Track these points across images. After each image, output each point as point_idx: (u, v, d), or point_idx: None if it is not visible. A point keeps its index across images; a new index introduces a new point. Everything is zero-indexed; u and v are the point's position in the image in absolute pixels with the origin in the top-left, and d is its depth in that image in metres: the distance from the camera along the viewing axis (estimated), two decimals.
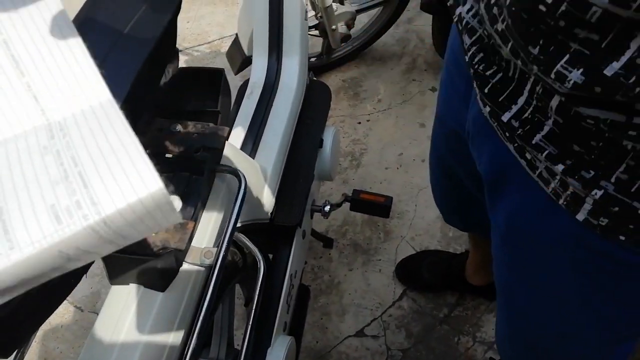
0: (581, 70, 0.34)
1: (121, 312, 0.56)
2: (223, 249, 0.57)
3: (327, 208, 1.04)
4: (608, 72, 0.32)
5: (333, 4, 1.34)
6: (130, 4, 0.53)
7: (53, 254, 0.20)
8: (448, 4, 0.53)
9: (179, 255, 0.56)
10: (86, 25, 0.50)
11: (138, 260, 0.54)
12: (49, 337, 1.25)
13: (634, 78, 0.31)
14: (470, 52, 0.47)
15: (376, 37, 1.65)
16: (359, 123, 1.56)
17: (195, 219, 0.59)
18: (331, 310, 1.26)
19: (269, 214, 0.87)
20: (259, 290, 0.69)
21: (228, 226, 0.59)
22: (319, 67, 1.65)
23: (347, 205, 1.14)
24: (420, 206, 1.42)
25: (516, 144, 0.45)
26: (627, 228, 0.41)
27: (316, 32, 1.47)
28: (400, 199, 1.42)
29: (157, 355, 0.56)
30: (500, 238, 0.57)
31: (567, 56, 0.34)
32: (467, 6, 0.47)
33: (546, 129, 0.41)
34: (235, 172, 0.62)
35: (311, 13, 1.40)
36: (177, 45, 0.63)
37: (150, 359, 0.55)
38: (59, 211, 0.20)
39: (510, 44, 0.39)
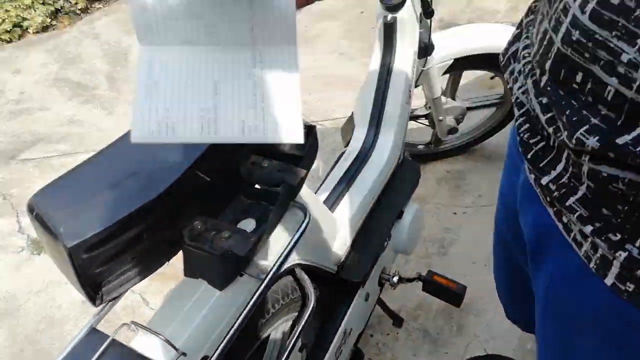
0: (597, 137, 0.39)
1: (185, 297, 0.67)
2: (276, 266, 0.67)
3: (396, 279, 1.08)
4: (620, 141, 0.38)
5: (443, 97, 1.45)
6: None
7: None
8: (508, 87, 0.60)
9: (241, 261, 0.66)
10: None
11: (208, 257, 0.65)
12: None
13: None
14: (518, 122, 0.54)
15: (487, 135, 1.70)
16: (455, 213, 1.59)
17: (261, 238, 0.69)
18: None
19: (336, 266, 0.95)
20: (303, 323, 0.76)
21: (284, 251, 0.69)
22: (426, 155, 1.73)
23: (424, 291, 1.15)
24: (500, 309, 1.35)
25: (555, 208, 0.49)
26: None
27: (425, 122, 1.58)
28: (481, 296, 1.38)
29: (201, 342, 0.65)
30: (542, 311, 0.58)
31: (587, 126, 0.40)
32: (519, 84, 0.54)
33: (580, 193, 0.45)
34: (303, 208, 0.73)
35: (423, 102, 1.52)
36: (305, 118, 0.79)
37: (196, 343, 0.65)
38: (244, 126, 0.33)
39: (548, 115, 0.45)
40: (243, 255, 0.64)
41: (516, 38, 0.60)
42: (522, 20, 0.59)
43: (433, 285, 1.14)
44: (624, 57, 0.36)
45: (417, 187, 1.17)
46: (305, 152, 0.79)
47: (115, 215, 0.54)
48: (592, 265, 0.45)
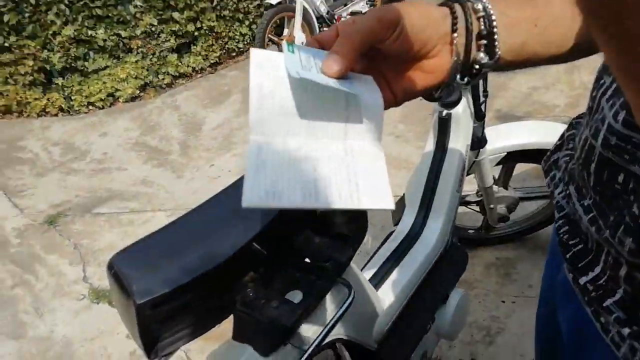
0: (631, 239, 0.42)
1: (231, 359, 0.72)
2: (319, 339, 0.71)
3: None
4: None
5: (495, 186, 1.48)
6: None
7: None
8: (549, 190, 0.64)
9: (286, 331, 0.71)
10: None
11: (257, 323, 0.71)
12: None
13: None
14: (558, 224, 0.57)
15: (539, 226, 1.68)
16: (503, 302, 1.55)
17: (307, 310, 0.74)
18: None
19: (377, 344, 0.97)
20: None
21: (327, 326, 0.73)
22: (476, 240, 1.73)
23: None
24: None
25: (592, 308, 0.50)
26: None
27: (477, 208, 1.60)
28: None
29: None
30: None
31: (623, 226, 0.43)
32: (559, 189, 0.58)
33: (617, 295, 0.47)
34: (348, 285, 0.77)
35: (475, 188, 1.55)
36: None
37: None
38: (342, 195, 0.38)
39: (590, 215, 0.49)
40: (289, 325, 0.69)
41: (557, 148, 0.65)
42: (563, 134, 0.64)
43: None
44: None
45: (463, 273, 1.18)
46: (354, 232, 0.84)
47: (181, 279, 0.61)
48: None
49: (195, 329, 0.70)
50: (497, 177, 1.55)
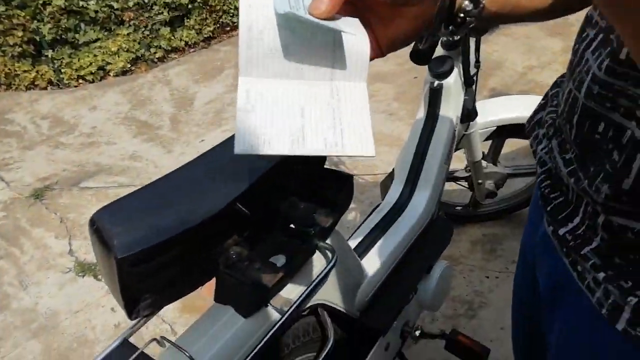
0: (608, 185, 0.43)
1: (212, 321, 0.73)
2: (299, 301, 0.71)
3: (418, 333, 1.09)
4: (625, 186, 0.42)
5: (484, 162, 1.48)
6: None
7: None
8: (532, 149, 0.64)
9: (267, 293, 0.72)
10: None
11: (238, 285, 0.71)
12: None
13: None
14: (540, 179, 0.58)
15: (527, 203, 1.69)
16: (487, 277, 1.57)
17: (289, 273, 0.74)
18: None
19: (359, 312, 0.98)
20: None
21: (310, 286, 0.73)
22: (463, 216, 1.74)
23: (446, 349, 1.15)
24: None
25: (570, 258, 0.52)
26: None
27: (465, 184, 1.61)
28: None
29: None
30: None
31: (602, 174, 0.44)
32: (542, 145, 0.59)
33: (594, 243, 0.48)
34: (332, 250, 0.78)
35: (464, 165, 1.55)
36: (348, 171, 0.86)
37: None
38: (326, 142, 0.40)
39: (571, 167, 0.50)
40: (270, 286, 0.70)
41: (541, 107, 0.65)
42: (547, 93, 0.64)
43: (456, 344, 1.13)
44: None
45: (448, 245, 1.19)
46: (339, 199, 0.85)
47: (163, 235, 0.61)
48: (604, 311, 0.48)
49: (176, 290, 0.70)
50: (486, 152, 1.55)
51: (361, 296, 0.96)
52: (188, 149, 2.60)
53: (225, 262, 0.72)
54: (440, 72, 1.17)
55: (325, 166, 0.86)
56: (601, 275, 0.47)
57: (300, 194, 0.83)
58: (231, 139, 0.72)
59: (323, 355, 0.80)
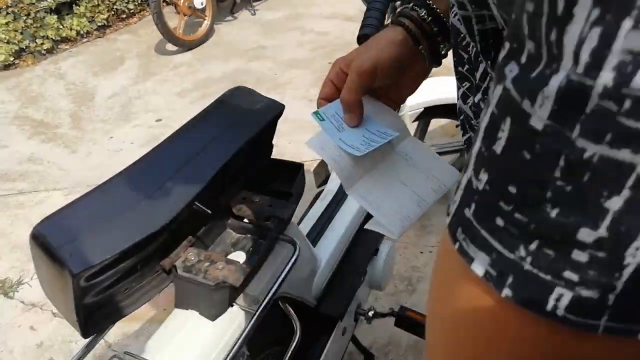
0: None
1: (177, 328, 0.68)
2: (267, 298, 0.69)
3: (371, 313, 1.11)
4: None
5: None
6: (243, 112, 0.74)
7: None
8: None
9: (233, 293, 0.68)
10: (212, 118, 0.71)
11: (201, 287, 0.67)
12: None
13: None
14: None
15: None
16: (421, 252, 1.65)
17: (254, 269, 0.71)
18: None
19: (316, 300, 0.97)
20: (289, 355, 0.77)
21: (276, 282, 0.71)
22: None
23: (396, 326, 1.18)
24: None
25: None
26: None
27: None
28: None
29: None
30: None
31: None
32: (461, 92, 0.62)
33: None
34: (292, 242, 0.76)
35: None
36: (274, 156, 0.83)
37: None
38: (435, 189, 0.53)
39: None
40: (238, 285, 0.66)
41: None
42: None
43: (406, 320, 1.17)
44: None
45: None
46: (293, 189, 0.83)
47: (120, 245, 0.55)
48: None
49: (132, 301, 0.64)
50: (413, 133, 1.61)
51: (317, 284, 0.96)
52: (96, 147, 2.39)
53: (184, 266, 0.67)
54: None
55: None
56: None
57: (252, 187, 0.80)
58: (169, 139, 0.68)
59: (292, 348, 0.78)
